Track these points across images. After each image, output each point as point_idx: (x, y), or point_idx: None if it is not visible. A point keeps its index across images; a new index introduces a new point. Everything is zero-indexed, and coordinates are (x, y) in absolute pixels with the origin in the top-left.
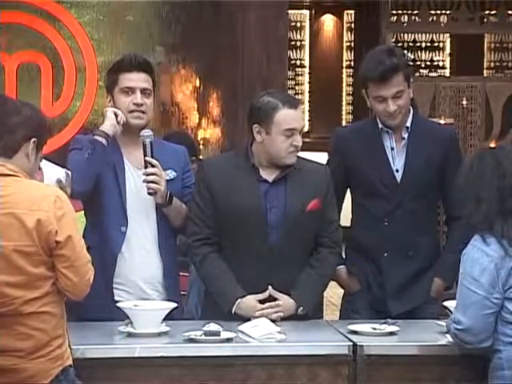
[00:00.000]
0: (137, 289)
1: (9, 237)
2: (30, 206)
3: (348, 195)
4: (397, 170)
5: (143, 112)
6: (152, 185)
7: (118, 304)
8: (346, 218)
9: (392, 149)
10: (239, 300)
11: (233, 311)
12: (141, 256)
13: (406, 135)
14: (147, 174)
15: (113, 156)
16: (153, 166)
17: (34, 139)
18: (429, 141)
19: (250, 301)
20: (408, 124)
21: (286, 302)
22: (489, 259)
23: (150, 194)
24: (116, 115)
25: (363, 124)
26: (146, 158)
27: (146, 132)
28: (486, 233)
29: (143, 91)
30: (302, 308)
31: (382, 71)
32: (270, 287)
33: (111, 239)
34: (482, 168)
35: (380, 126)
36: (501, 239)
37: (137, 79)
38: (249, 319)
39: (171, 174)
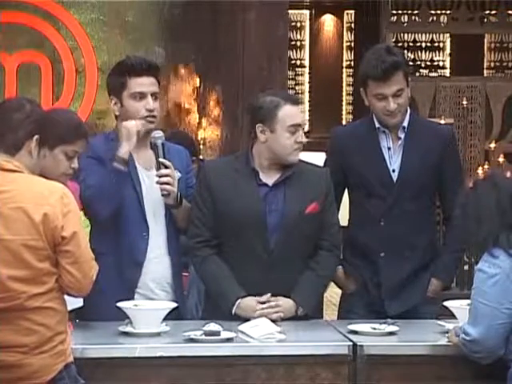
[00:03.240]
0: (146, 289)
1: (16, 230)
2: (36, 201)
3: (346, 195)
4: (393, 170)
5: (154, 116)
6: (166, 186)
7: (118, 304)
8: (343, 217)
9: (389, 148)
10: (239, 300)
11: (233, 311)
12: (153, 257)
13: (402, 135)
14: (160, 176)
15: None
16: (166, 167)
17: (36, 136)
18: (426, 140)
19: (250, 301)
20: (405, 124)
21: (285, 303)
22: (500, 271)
23: (163, 195)
24: (130, 133)
25: (360, 124)
26: (160, 159)
27: (157, 133)
28: (492, 248)
29: (152, 95)
30: (301, 309)
31: (384, 69)
32: (268, 295)
33: (136, 246)
34: (480, 190)
35: (377, 125)
36: (508, 249)
37: (148, 84)
38: (249, 319)
39: (176, 174)
